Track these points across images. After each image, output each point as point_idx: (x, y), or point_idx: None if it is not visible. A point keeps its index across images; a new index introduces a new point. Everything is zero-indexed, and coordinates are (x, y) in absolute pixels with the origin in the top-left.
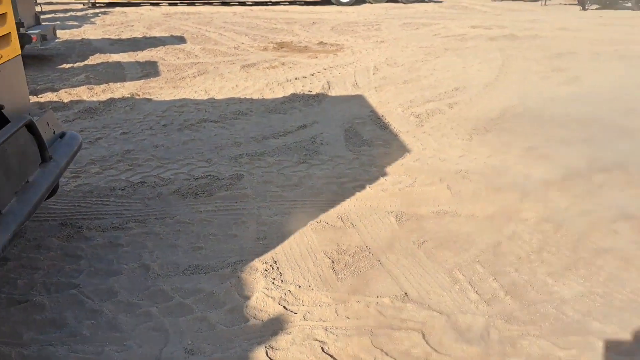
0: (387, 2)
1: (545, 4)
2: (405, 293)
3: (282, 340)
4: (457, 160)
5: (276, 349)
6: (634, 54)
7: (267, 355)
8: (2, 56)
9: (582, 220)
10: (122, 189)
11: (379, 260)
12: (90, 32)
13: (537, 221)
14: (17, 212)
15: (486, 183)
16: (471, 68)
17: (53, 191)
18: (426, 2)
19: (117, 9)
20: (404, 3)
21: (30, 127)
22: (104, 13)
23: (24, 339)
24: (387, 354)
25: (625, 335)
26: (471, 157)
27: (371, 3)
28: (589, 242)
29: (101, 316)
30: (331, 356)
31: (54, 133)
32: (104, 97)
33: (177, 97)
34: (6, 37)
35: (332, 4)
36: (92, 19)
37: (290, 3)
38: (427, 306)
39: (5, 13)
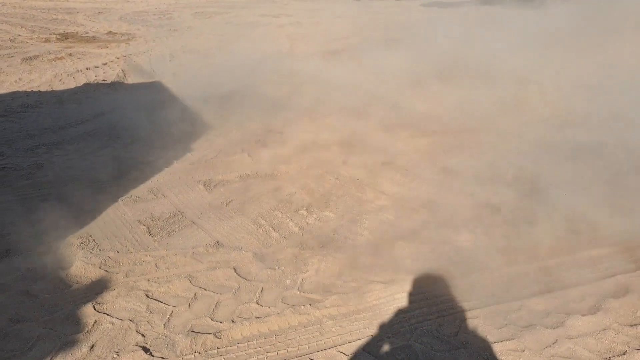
0: None
1: None
2: (217, 242)
3: (107, 296)
4: (254, 131)
5: (103, 303)
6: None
7: (95, 309)
8: None
9: None
10: None
11: (192, 221)
12: None
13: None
14: None
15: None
16: (263, 52)
17: None
18: None
19: None
20: None
21: None
22: None
23: None
24: (205, 289)
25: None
26: (264, 129)
27: None
28: None
29: None
30: (155, 299)
31: None
32: None
33: None
34: None
35: None
36: None
37: None
38: (236, 248)
39: None
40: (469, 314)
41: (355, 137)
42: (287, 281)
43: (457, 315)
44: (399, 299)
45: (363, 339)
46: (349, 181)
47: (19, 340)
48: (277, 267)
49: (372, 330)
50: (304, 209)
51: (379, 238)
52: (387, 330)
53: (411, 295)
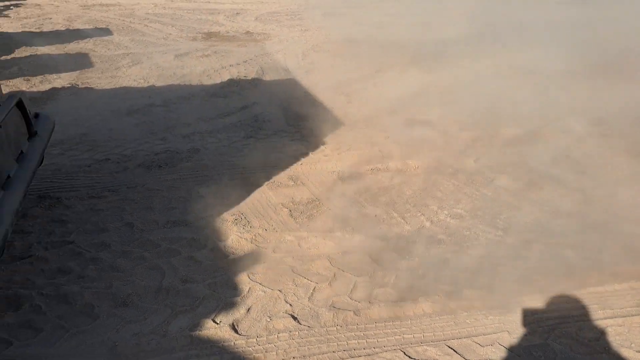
0: None
1: None
2: (352, 228)
3: (259, 267)
4: (383, 129)
5: (256, 274)
6: None
7: (249, 278)
8: None
9: None
10: (88, 166)
11: (328, 208)
12: (7, 25)
13: None
14: (22, 176)
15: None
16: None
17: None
18: None
19: (29, 1)
20: None
21: (20, 104)
22: (16, 6)
23: (37, 284)
24: (343, 270)
25: None
26: (398, 124)
27: None
28: None
29: (101, 262)
30: (299, 275)
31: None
32: (43, 87)
33: (117, 86)
34: None
35: None
36: (5, 12)
37: None
38: (370, 236)
39: None
40: (611, 322)
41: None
42: (420, 271)
43: (598, 321)
44: (536, 299)
45: (498, 333)
46: (481, 181)
47: (188, 297)
48: (409, 257)
49: (507, 326)
50: (435, 204)
51: (514, 238)
52: (522, 328)
53: (549, 296)
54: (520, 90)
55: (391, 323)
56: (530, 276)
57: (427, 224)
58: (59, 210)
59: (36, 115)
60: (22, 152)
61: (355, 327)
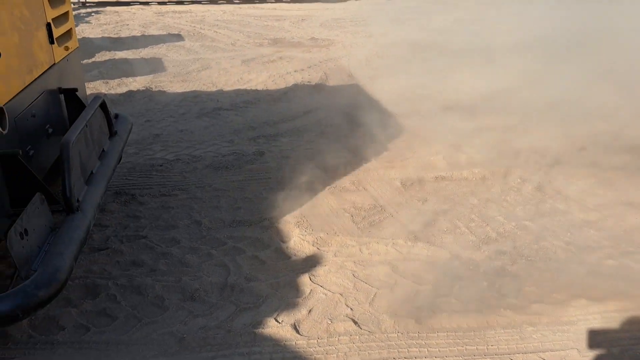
0: None
1: None
2: (415, 236)
3: (320, 270)
4: (450, 137)
5: (317, 276)
6: None
7: (311, 280)
8: (69, 47)
9: None
10: (161, 165)
11: (391, 214)
12: (88, 31)
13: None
14: (103, 173)
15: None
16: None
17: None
18: None
19: (108, 8)
20: None
21: (103, 106)
22: (97, 13)
23: (113, 275)
24: (404, 278)
25: None
26: (463, 131)
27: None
28: None
29: (171, 257)
30: (360, 280)
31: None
32: (120, 90)
33: (188, 90)
34: (70, 31)
35: (318, 1)
36: (87, 19)
37: (277, 1)
38: (433, 244)
39: (67, 11)
40: None
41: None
42: (485, 283)
43: None
44: (609, 317)
45: (566, 350)
46: (554, 193)
47: (252, 295)
48: (473, 268)
49: (577, 344)
50: (501, 215)
51: (585, 254)
52: (593, 347)
53: (624, 315)
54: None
55: (454, 333)
56: (602, 294)
57: (493, 234)
58: (134, 206)
59: (116, 116)
60: (103, 150)
61: (416, 335)
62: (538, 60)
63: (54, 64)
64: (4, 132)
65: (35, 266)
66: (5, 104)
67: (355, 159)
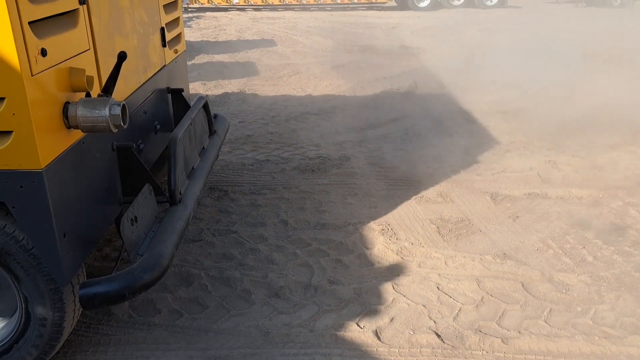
0: (464, 7)
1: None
2: (504, 253)
3: (403, 279)
4: (546, 152)
5: (400, 285)
6: None
7: (394, 289)
8: (177, 50)
9: None
10: (251, 165)
11: (479, 229)
12: (189, 34)
13: None
14: (203, 169)
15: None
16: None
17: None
18: (505, 7)
19: (208, 13)
20: (482, 8)
21: (205, 106)
22: (197, 17)
23: (205, 266)
24: (491, 295)
25: None
26: (558, 150)
27: (448, 8)
28: None
29: (259, 253)
30: (445, 293)
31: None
32: (217, 91)
33: (279, 93)
34: (179, 35)
35: (409, 9)
36: (188, 23)
37: (368, 8)
38: (523, 263)
39: (178, 17)
40: None
41: None
42: (578, 308)
43: None
44: None
45: None
46: None
47: (335, 298)
48: (566, 292)
49: None
50: (600, 239)
51: None
52: None
53: None
54: None
55: (542, 357)
56: None
57: (590, 258)
58: (226, 202)
59: (215, 116)
60: (203, 147)
61: (502, 355)
62: None
63: (165, 65)
64: (124, 127)
65: (142, 251)
66: (124, 100)
67: (443, 169)
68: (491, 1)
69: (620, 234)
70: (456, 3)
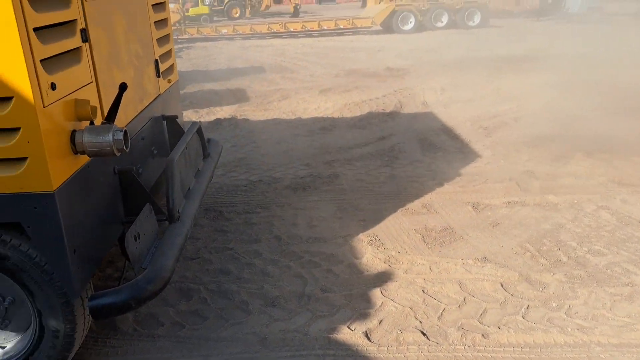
0: (447, 28)
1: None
2: (485, 257)
3: (391, 285)
4: (524, 163)
5: (388, 290)
6: None
7: (382, 294)
8: (171, 80)
9: None
10: (245, 186)
11: (461, 236)
12: (180, 65)
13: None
14: (198, 190)
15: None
16: (531, 87)
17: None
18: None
19: (198, 43)
20: (465, 29)
21: (199, 131)
22: (187, 48)
23: (203, 281)
24: (473, 296)
25: None
26: (535, 161)
27: (432, 30)
28: None
29: (255, 267)
30: (430, 295)
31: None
32: (209, 118)
33: (269, 118)
34: (172, 66)
35: (394, 32)
36: (179, 54)
37: (354, 33)
38: (503, 265)
39: (171, 49)
40: None
41: None
42: (554, 304)
43: None
44: None
45: None
46: (630, 222)
47: (327, 305)
48: (542, 290)
49: None
50: (575, 241)
51: None
52: None
53: None
54: None
55: (520, 349)
56: None
57: (565, 258)
58: (221, 222)
59: (208, 141)
60: (198, 169)
61: (483, 348)
62: None
63: (159, 94)
64: (126, 150)
65: (145, 264)
66: (124, 127)
67: (427, 182)
68: (473, 22)
69: (593, 236)
70: (439, 25)
